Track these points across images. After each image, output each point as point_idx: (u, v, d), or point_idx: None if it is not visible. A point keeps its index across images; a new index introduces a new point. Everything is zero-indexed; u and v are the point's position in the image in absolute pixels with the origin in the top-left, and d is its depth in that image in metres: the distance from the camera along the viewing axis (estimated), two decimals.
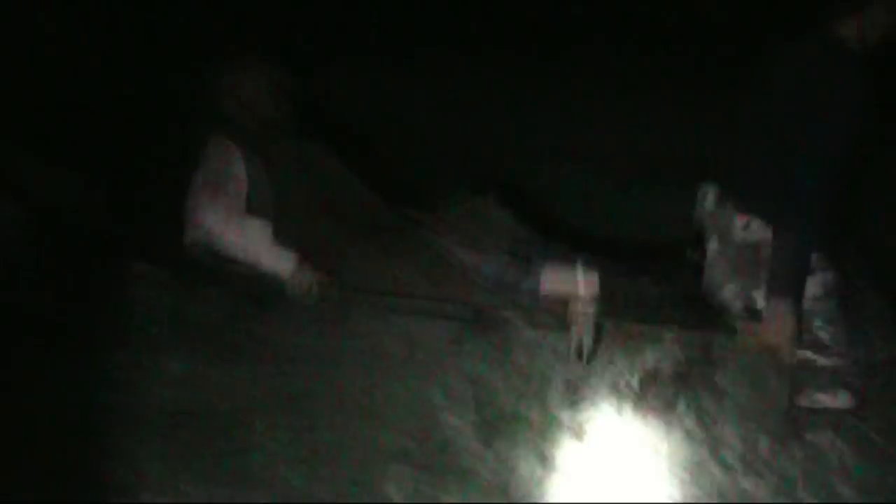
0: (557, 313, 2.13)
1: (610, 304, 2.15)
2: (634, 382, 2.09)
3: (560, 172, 2.95)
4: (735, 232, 2.08)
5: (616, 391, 2.09)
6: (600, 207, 2.89)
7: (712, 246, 2.12)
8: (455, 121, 2.97)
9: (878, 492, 2.04)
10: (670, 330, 2.10)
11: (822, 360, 2.03)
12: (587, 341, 2.04)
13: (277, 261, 2.17)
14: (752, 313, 2.04)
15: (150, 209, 2.46)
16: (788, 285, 1.96)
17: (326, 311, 2.17)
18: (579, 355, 2.06)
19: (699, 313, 2.16)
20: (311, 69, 2.70)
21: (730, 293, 2.09)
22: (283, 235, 2.21)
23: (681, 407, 2.09)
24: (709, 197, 2.16)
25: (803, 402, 2.05)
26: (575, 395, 2.10)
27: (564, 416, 2.11)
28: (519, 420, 2.12)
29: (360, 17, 2.99)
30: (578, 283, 2.16)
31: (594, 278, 2.17)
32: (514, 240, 2.36)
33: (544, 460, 2.11)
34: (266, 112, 2.38)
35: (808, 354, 2.03)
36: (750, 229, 2.06)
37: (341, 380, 2.15)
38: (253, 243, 2.19)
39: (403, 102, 3.02)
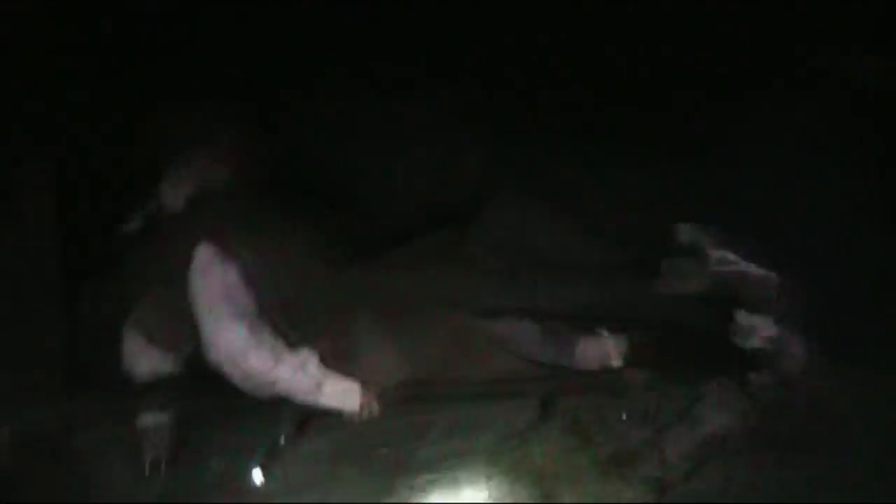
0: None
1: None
2: None
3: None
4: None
5: None
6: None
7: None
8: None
9: None
10: None
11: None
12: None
13: (342, 393, 1.89)
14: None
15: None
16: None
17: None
18: None
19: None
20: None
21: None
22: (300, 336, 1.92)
23: None
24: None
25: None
26: None
27: None
28: None
29: None
30: (612, 353, 2.07)
31: (625, 346, 2.07)
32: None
33: None
34: (249, 171, 2.05)
35: None
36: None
37: None
38: (310, 378, 1.88)
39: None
